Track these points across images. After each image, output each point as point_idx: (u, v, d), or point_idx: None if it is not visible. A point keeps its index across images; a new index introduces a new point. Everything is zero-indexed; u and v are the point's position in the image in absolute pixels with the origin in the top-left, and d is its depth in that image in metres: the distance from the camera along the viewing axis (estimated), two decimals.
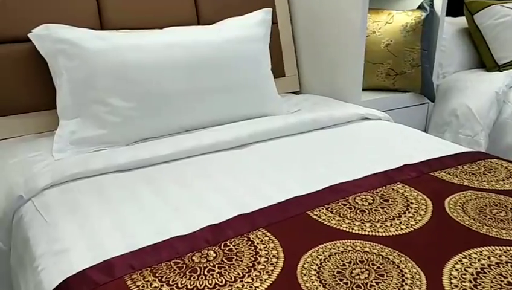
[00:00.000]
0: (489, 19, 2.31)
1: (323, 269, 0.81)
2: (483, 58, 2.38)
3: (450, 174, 1.20)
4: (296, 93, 2.18)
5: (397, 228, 0.94)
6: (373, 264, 0.82)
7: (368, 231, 0.93)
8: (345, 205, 1.03)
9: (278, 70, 2.11)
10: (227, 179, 1.16)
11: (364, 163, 1.26)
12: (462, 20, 2.48)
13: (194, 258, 0.85)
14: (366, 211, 1.01)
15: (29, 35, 1.42)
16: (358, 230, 0.94)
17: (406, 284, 0.77)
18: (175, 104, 1.46)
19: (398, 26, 2.12)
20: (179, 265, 0.83)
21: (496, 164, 1.28)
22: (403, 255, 0.85)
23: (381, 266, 0.82)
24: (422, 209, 1.01)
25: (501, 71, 2.26)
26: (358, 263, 0.83)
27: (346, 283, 0.77)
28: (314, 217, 0.98)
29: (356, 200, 1.05)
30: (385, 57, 2.12)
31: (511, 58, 2.27)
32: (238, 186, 1.12)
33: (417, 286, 0.76)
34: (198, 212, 1.01)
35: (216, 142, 1.34)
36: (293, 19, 2.19)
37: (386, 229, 0.94)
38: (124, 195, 1.08)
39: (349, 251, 0.86)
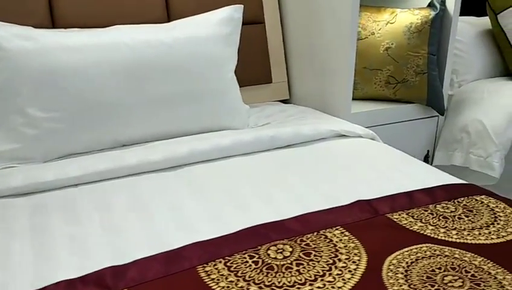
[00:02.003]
0: None
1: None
2: (508, 65, 2.04)
3: (413, 216, 0.93)
4: (284, 101, 1.94)
5: None
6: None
7: None
8: (252, 257, 0.79)
9: (263, 76, 1.89)
10: (128, 214, 0.95)
11: (307, 196, 1.02)
12: (485, 21, 2.14)
13: None
14: (276, 267, 0.77)
15: None
16: None
17: None
18: (111, 115, 1.27)
19: (401, 26, 1.83)
20: None
21: (482, 203, 1.00)
22: None
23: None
24: (349, 271, 0.75)
25: None
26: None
27: None
28: (204, 276, 0.75)
29: (268, 252, 0.81)
30: (385, 63, 1.84)
31: None
32: (127, 226, 0.91)
33: None
34: (68, 257, 0.81)
35: (139, 163, 1.13)
36: (284, 19, 1.95)
37: None
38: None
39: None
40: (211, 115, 1.39)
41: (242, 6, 1.56)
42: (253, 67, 1.84)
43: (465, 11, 2.23)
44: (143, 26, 1.41)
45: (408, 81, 1.83)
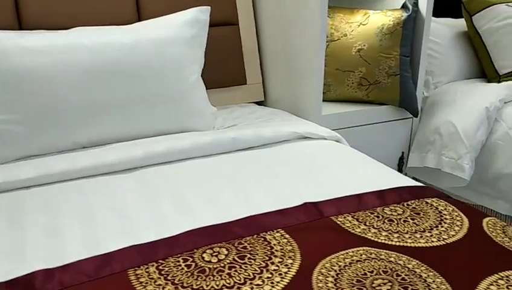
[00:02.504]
0: (490, 21, 1.96)
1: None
2: (484, 66, 2.04)
3: (358, 219, 0.93)
4: (260, 103, 1.93)
5: None
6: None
7: None
8: (186, 260, 0.79)
9: (238, 78, 1.88)
10: (72, 217, 0.94)
11: (256, 199, 1.01)
12: (462, 23, 2.13)
13: None
14: (207, 271, 0.76)
15: None
16: None
17: None
18: (71, 117, 1.27)
19: (374, 28, 1.82)
20: None
21: (431, 205, 0.99)
22: None
23: None
24: (280, 274, 0.75)
25: (501, 82, 1.91)
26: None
27: None
28: (133, 279, 0.75)
29: (203, 255, 0.80)
30: (357, 64, 1.83)
31: None
32: (68, 229, 0.90)
33: None
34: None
35: (93, 165, 1.12)
36: (258, 21, 1.94)
37: None
38: None
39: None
40: (174, 117, 1.38)
41: (209, 7, 1.55)
42: (227, 69, 1.83)
43: (442, 12, 2.23)
44: (105, 27, 1.40)
45: (380, 83, 1.83)
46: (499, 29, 1.94)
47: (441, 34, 2.10)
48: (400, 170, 1.98)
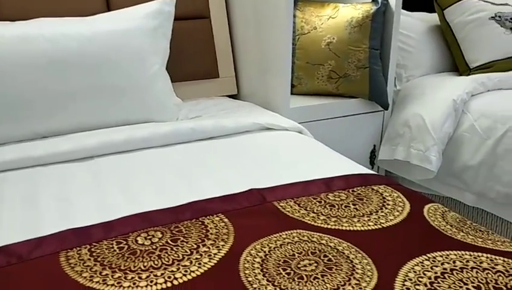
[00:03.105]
0: (461, 15, 1.97)
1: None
2: (455, 60, 2.04)
3: (299, 204, 0.93)
4: (233, 97, 1.94)
5: (168, 278, 0.70)
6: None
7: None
8: (120, 243, 0.80)
9: (210, 71, 1.88)
10: (15, 205, 0.95)
11: (204, 186, 1.02)
12: (435, 17, 2.14)
13: None
14: (138, 253, 0.77)
15: None
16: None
17: None
18: (29, 107, 1.27)
19: (343, 21, 1.83)
20: None
21: (376, 192, 1.00)
22: None
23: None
24: (209, 256, 0.75)
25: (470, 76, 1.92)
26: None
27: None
28: (62, 261, 0.75)
29: (137, 239, 0.81)
30: (326, 57, 1.84)
31: (484, 61, 1.92)
32: (10, 215, 0.91)
33: None
34: None
35: (45, 154, 1.13)
36: (231, 15, 1.95)
37: (153, 281, 0.70)
38: None
39: None
40: (135, 107, 1.39)
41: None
42: (200, 62, 1.84)
43: (416, 7, 2.24)
44: (65, 18, 1.41)
45: (350, 76, 1.83)
46: (469, 23, 1.95)
47: (414, 28, 2.11)
48: (371, 163, 1.99)
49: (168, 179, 1.07)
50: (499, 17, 1.98)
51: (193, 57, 1.83)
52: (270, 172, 1.11)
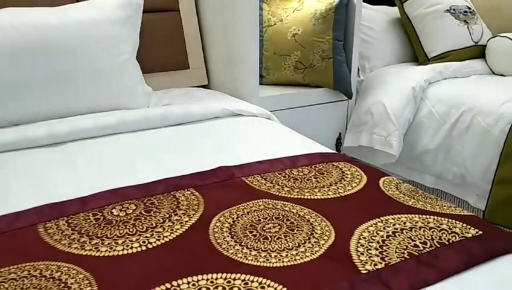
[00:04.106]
0: (419, 8, 2.08)
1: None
2: (415, 51, 2.15)
3: (266, 178, 1.00)
4: (204, 87, 1.98)
5: (142, 243, 0.75)
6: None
7: (94, 252, 0.74)
8: (96, 215, 0.84)
9: (179, 62, 1.93)
10: None
11: (174, 166, 1.07)
12: (396, 10, 2.25)
13: None
14: (114, 222, 0.82)
15: None
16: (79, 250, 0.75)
17: None
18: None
19: (308, 13, 1.91)
20: None
21: (336, 167, 1.07)
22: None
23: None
24: (180, 223, 0.81)
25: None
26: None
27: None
28: (41, 231, 0.80)
29: (113, 211, 0.86)
30: (292, 48, 1.92)
31: (440, 51, 2.04)
32: None
33: None
34: None
35: (18, 139, 1.16)
36: (200, 8, 2.00)
37: (128, 246, 0.75)
38: None
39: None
40: (104, 95, 1.42)
41: None
42: (170, 53, 1.88)
43: (377, 0, 2.34)
44: (33, 8, 1.43)
45: (315, 66, 1.91)
46: (427, 15, 2.06)
47: (376, 20, 2.21)
48: (337, 150, 2.07)
49: (139, 161, 1.12)
50: (454, 10, 2.10)
51: (163, 48, 1.87)
52: (239, 153, 1.17)
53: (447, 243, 0.77)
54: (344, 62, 1.93)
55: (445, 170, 1.75)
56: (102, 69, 1.42)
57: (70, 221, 0.82)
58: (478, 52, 2.08)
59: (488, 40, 2.06)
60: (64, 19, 1.39)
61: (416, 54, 2.15)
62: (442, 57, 2.04)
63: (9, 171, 1.05)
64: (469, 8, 2.13)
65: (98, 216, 0.84)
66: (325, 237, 0.77)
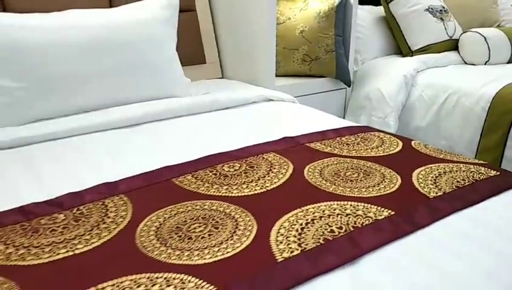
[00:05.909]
0: (403, 7, 2.40)
1: (164, 225, 0.85)
2: (399, 44, 2.47)
3: (324, 144, 1.26)
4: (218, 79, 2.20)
5: (251, 189, 0.99)
6: (213, 219, 0.87)
7: (223, 193, 0.97)
8: (211, 171, 1.07)
9: (198, 57, 2.14)
10: (103, 155, 1.19)
11: (245, 137, 1.30)
12: (381, 9, 2.57)
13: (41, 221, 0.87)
14: (229, 176, 1.05)
15: None
16: (214, 192, 0.98)
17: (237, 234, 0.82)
18: (69, 85, 1.46)
19: (313, 12, 2.18)
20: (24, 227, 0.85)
21: (374, 135, 1.35)
22: (245, 211, 0.89)
23: (219, 220, 0.86)
24: (282, 173, 1.06)
25: (413, 56, 2.35)
26: (200, 219, 0.87)
27: (180, 236, 0.81)
28: (177, 183, 1.02)
29: (224, 168, 1.09)
30: (300, 43, 2.18)
31: (422, 45, 2.37)
32: (110, 160, 1.15)
33: (246, 236, 0.81)
34: (62, 182, 1.04)
35: (105, 121, 1.36)
36: (213, 7, 2.23)
37: (240, 191, 0.98)
38: None
39: (196, 209, 0.91)
40: (155, 85, 1.62)
41: None
42: (189, 50, 2.10)
43: (366, 1, 2.65)
44: (92, 10, 1.62)
45: (320, 59, 2.19)
46: (410, 14, 2.39)
47: (365, 18, 2.52)
48: None
49: (213, 133, 1.33)
50: (431, 9, 2.44)
51: (183, 45, 2.08)
52: (288, 126, 1.41)
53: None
54: (343, 55, 2.22)
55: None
56: (154, 63, 1.62)
57: (196, 176, 1.05)
58: (452, 45, 2.43)
59: (460, 35, 2.41)
60: (122, 18, 1.59)
61: (400, 47, 2.47)
62: (424, 50, 2.38)
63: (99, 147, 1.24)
64: (443, 7, 2.48)
65: (214, 172, 1.07)
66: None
